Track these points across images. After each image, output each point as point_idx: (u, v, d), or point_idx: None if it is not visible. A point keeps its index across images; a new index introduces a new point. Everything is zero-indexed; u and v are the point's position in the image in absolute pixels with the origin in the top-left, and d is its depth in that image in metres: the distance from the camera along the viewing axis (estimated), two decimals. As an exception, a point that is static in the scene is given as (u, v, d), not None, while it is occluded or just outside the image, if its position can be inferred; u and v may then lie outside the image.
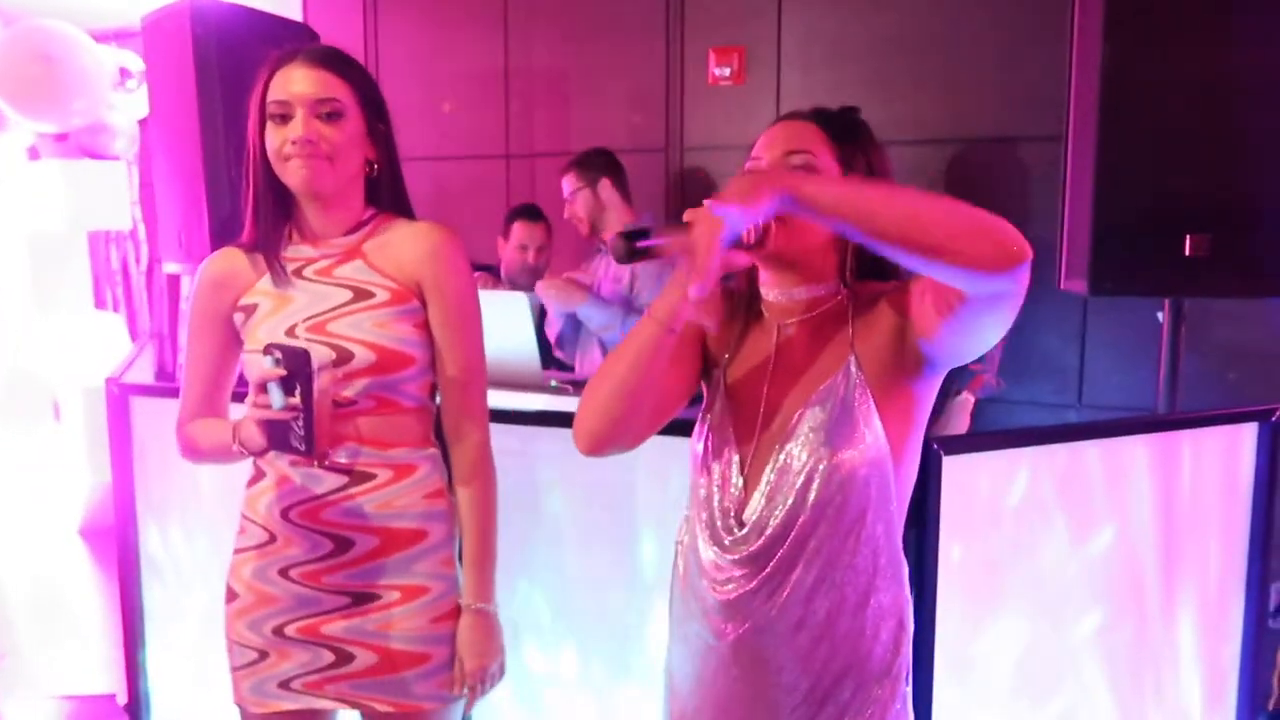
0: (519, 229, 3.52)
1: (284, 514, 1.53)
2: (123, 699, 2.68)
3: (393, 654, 1.53)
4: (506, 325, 2.59)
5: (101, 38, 4.73)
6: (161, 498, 2.37)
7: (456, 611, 1.57)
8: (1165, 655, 2.08)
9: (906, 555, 1.37)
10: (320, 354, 1.43)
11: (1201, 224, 2.23)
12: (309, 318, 1.51)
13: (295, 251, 1.55)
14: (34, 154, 5.01)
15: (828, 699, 1.30)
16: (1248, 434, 2.09)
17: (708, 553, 1.34)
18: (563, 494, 1.99)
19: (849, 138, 1.32)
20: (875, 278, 1.33)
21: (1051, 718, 1.97)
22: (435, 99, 4.31)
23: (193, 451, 1.60)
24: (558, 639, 2.03)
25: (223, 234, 2.66)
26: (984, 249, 1.06)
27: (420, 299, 1.54)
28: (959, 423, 2.88)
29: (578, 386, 2.73)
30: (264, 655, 1.55)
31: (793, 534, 1.27)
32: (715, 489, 1.34)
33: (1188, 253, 2.23)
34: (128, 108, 4.82)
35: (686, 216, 1.18)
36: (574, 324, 3.32)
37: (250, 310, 1.55)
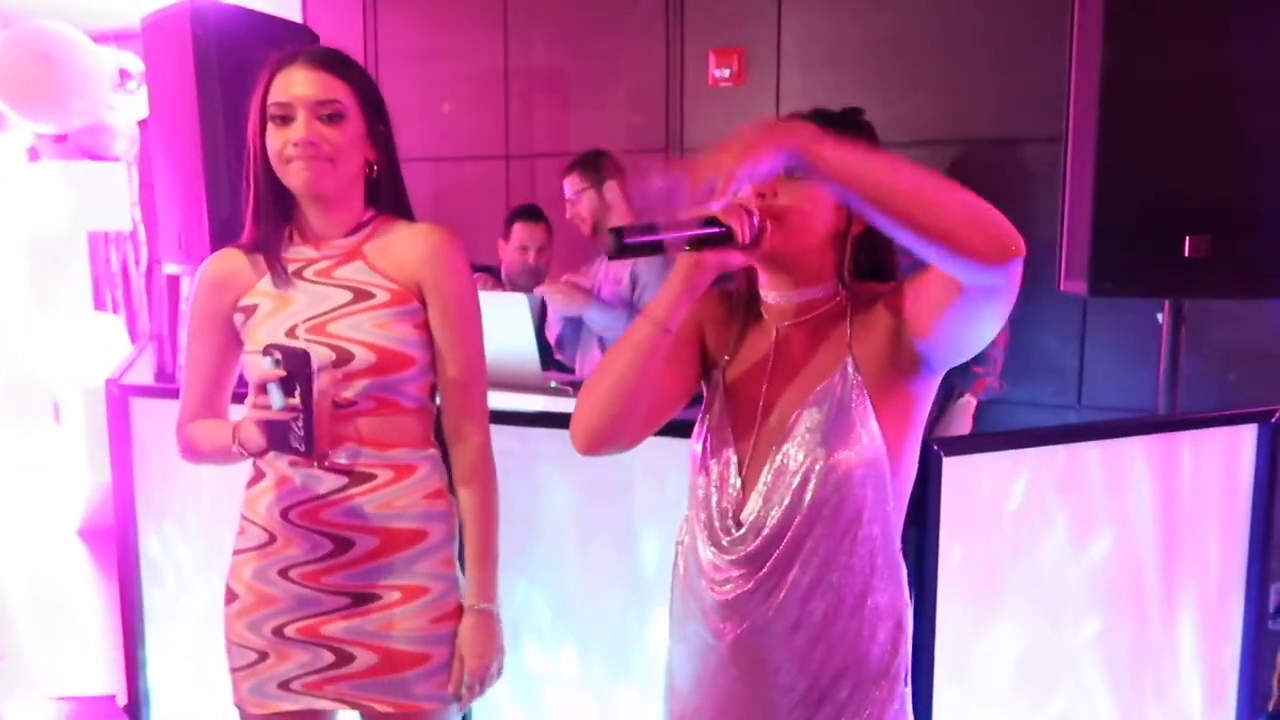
0: (519, 230, 3.52)
1: (284, 514, 1.53)
2: (122, 700, 2.68)
3: (393, 654, 1.53)
4: (506, 326, 2.60)
5: (101, 39, 4.74)
6: (161, 499, 2.38)
7: (457, 612, 1.58)
8: (1165, 656, 2.08)
9: (906, 556, 1.37)
10: (320, 355, 1.43)
11: (1201, 225, 2.23)
12: (309, 318, 1.51)
13: (296, 252, 1.56)
14: (34, 155, 5.01)
15: (825, 699, 1.30)
16: (1247, 435, 2.09)
17: (706, 553, 1.34)
18: (563, 494, 1.99)
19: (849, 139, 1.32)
20: (873, 279, 1.34)
21: (1051, 718, 1.97)
22: (435, 100, 4.32)
23: (192, 452, 1.60)
24: (558, 639, 2.03)
25: (222, 235, 2.66)
26: (982, 239, 1.06)
27: (420, 300, 1.54)
28: (961, 425, 2.88)
29: (577, 388, 2.72)
30: (264, 656, 1.55)
31: (789, 534, 1.28)
32: (713, 489, 1.35)
33: (1187, 253, 2.24)
34: (127, 109, 4.83)
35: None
36: (574, 326, 3.32)
37: (250, 311, 1.55)
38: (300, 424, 1.38)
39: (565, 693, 2.04)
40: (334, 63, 1.50)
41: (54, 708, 3.13)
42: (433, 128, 4.30)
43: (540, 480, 1.98)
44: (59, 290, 5.00)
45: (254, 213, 1.54)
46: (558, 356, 3.37)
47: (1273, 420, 2.08)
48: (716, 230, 1.19)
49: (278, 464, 1.53)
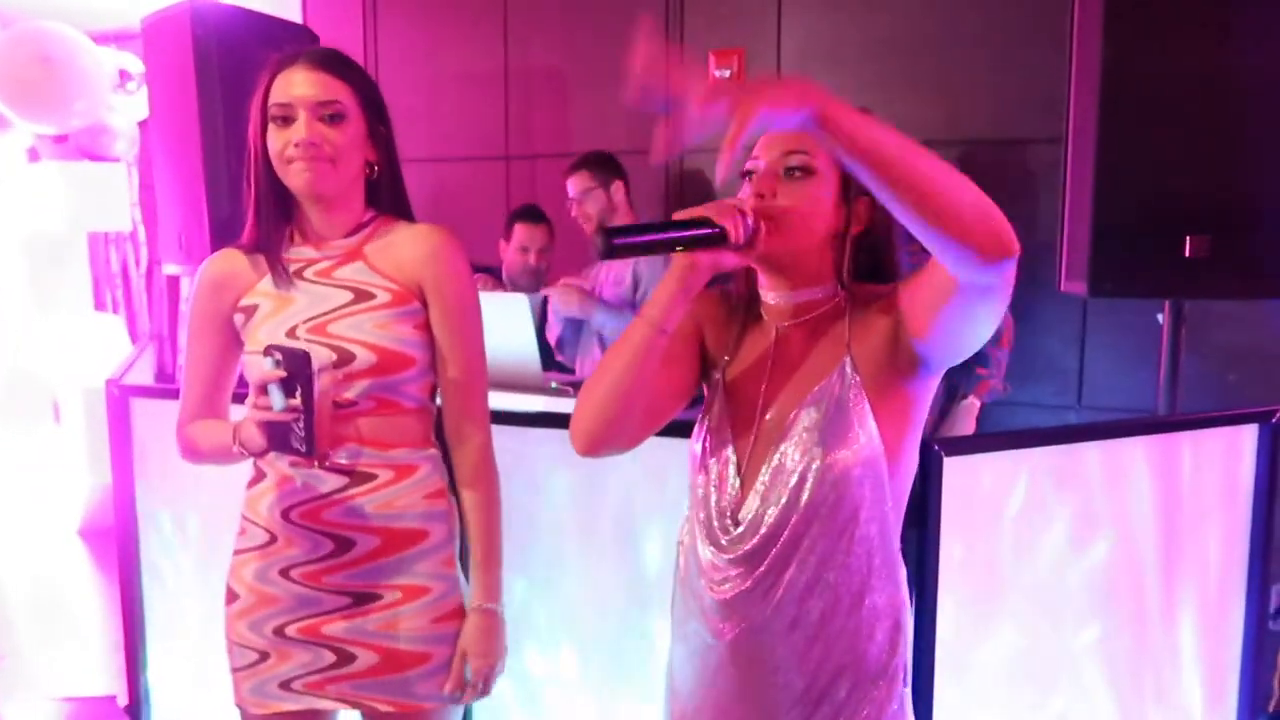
0: (520, 231, 3.52)
1: (285, 514, 1.53)
2: (123, 700, 2.68)
3: (394, 654, 1.53)
4: (506, 327, 2.60)
5: (101, 39, 4.74)
6: (161, 499, 2.37)
7: (458, 611, 1.58)
8: (1165, 657, 2.08)
9: (906, 556, 1.37)
10: (320, 355, 1.43)
11: (1201, 225, 2.23)
12: (309, 319, 1.51)
13: (296, 253, 1.56)
14: (34, 155, 5.01)
15: (823, 699, 1.31)
16: (1248, 435, 2.09)
17: (705, 552, 1.35)
18: (563, 495, 1.99)
19: None
20: (873, 280, 1.34)
21: (1051, 718, 1.97)
22: (434, 100, 4.31)
23: (192, 453, 1.60)
24: (558, 639, 2.03)
25: (222, 235, 2.66)
26: (984, 230, 1.06)
27: (421, 300, 1.54)
28: (964, 426, 2.88)
29: (578, 388, 2.72)
30: (264, 656, 1.55)
31: (786, 533, 1.28)
32: (712, 489, 1.35)
33: (1187, 254, 2.24)
34: (127, 109, 4.83)
35: (678, 215, 1.19)
36: (574, 327, 3.32)
37: (250, 311, 1.55)
38: (301, 425, 1.38)
39: (565, 693, 2.04)
40: (335, 63, 1.50)
41: (54, 708, 3.13)
42: (432, 128, 4.30)
43: (541, 480, 1.98)
44: (59, 290, 5.00)
45: (255, 213, 1.54)
46: (558, 357, 3.37)
47: (1273, 420, 2.08)
48: (709, 231, 1.19)
49: (278, 464, 1.53)
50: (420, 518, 1.55)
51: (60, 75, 4.39)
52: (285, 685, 1.55)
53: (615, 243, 1.17)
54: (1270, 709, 2.54)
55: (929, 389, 1.32)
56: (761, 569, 1.29)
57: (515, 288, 3.47)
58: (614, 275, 3.22)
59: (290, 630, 1.54)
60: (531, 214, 3.56)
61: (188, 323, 1.61)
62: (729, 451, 1.34)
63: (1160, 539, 2.02)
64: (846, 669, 1.30)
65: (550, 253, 3.56)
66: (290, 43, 1.61)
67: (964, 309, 1.16)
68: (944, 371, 1.32)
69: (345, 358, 1.48)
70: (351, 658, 1.53)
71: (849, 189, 1.30)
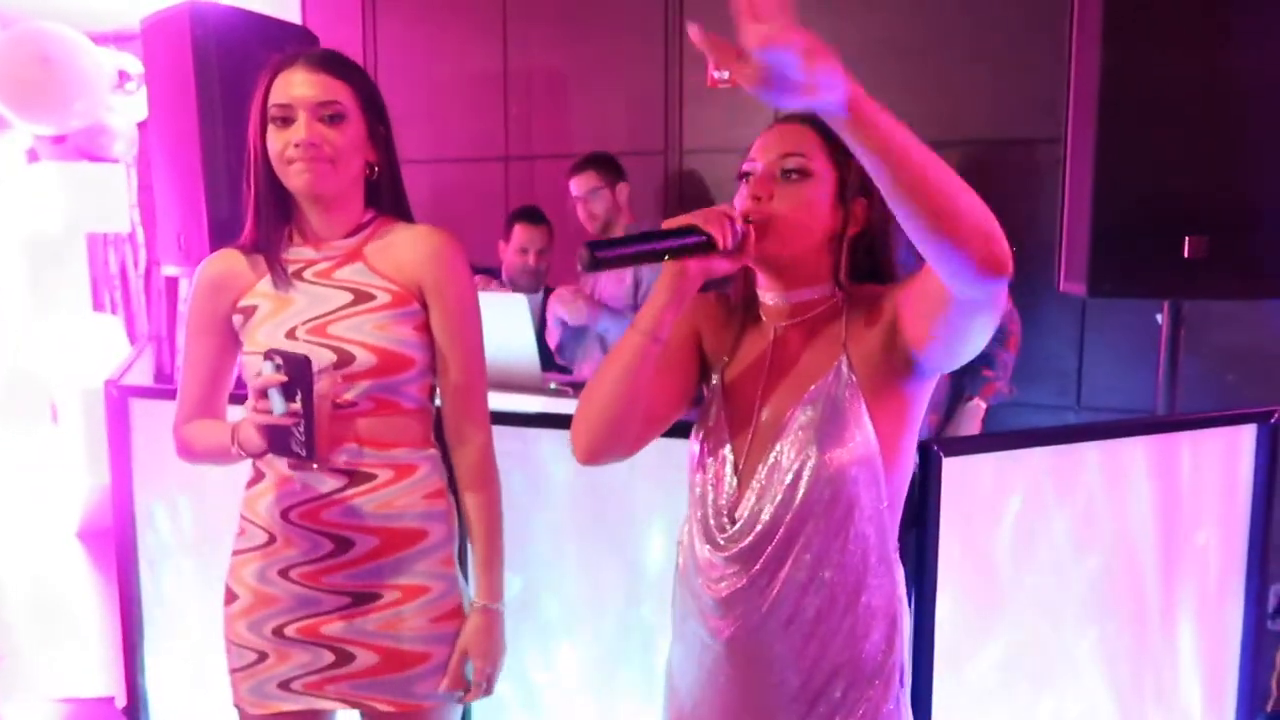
0: (520, 231, 3.52)
1: (284, 515, 1.53)
2: (121, 701, 2.68)
3: (393, 653, 1.53)
4: (506, 327, 2.60)
5: (100, 40, 4.74)
6: (160, 500, 2.37)
7: (457, 611, 1.58)
8: (1164, 657, 2.08)
9: (905, 555, 1.37)
10: (320, 357, 1.43)
11: (1200, 225, 2.23)
12: (309, 320, 1.51)
13: (296, 254, 1.56)
14: (32, 156, 5.01)
15: (819, 697, 1.31)
16: (1247, 436, 2.09)
17: (702, 550, 1.35)
18: (563, 495, 1.99)
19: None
20: (871, 280, 1.34)
21: (1050, 718, 1.97)
22: (433, 101, 4.31)
23: (189, 453, 1.60)
24: (558, 639, 2.03)
25: (221, 236, 2.66)
26: (981, 243, 1.04)
27: (421, 302, 1.54)
28: (969, 428, 2.87)
29: (577, 388, 2.73)
30: (263, 656, 1.55)
31: (781, 531, 1.28)
32: (709, 487, 1.35)
33: (1187, 254, 2.23)
34: (127, 110, 4.83)
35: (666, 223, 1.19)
36: (575, 331, 3.33)
37: (249, 312, 1.55)
38: (301, 429, 1.38)
39: (565, 692, 2.04)
40: (335, 64, 1.50)
41: (53, 709, 3.13)
42: (431, 129, 4.30)
43: (541, 481, 1.98)
44: (58, 291, 5.00)
45: (254, 214, 1.54)
46: (559, 361, 3.38)
47: (1272, 421, 2.09)
48: (696, 239, 1.20)
49: (277, 464, 1.53)
50: (419, 517, 1.55)
51: (60, 76, 4.39)
52: (284, 685, 1.55)
53: (600, 256, 1.16)
54: (1268, 709, 2.54)
55: (926, 390, 1.32)
56: (757, 566, 1.30)
57: (515, 289, 3.48)
58: (614, 276, 3.23)
59: (289, 630, 1.54)
60: (531, 215, 3.56)
61: (186, 323, 1.61)
62: (726, 450, 1.34)
63: (1159, 539, 2.02)
64: (842, 668, 1.30)
65: (550, 254, 3.56)
66: (289, 43, 1.61)
67: (958, 322, 1.16)
68: (942, 374, 1.32)
69: (345, 359, 1.48)
70: (351, 657, 1.53)
71: (846, 190, 1.31)
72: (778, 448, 1.30)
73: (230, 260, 1.58)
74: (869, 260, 1.34)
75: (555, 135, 4.17)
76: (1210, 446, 2.06)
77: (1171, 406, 2.51)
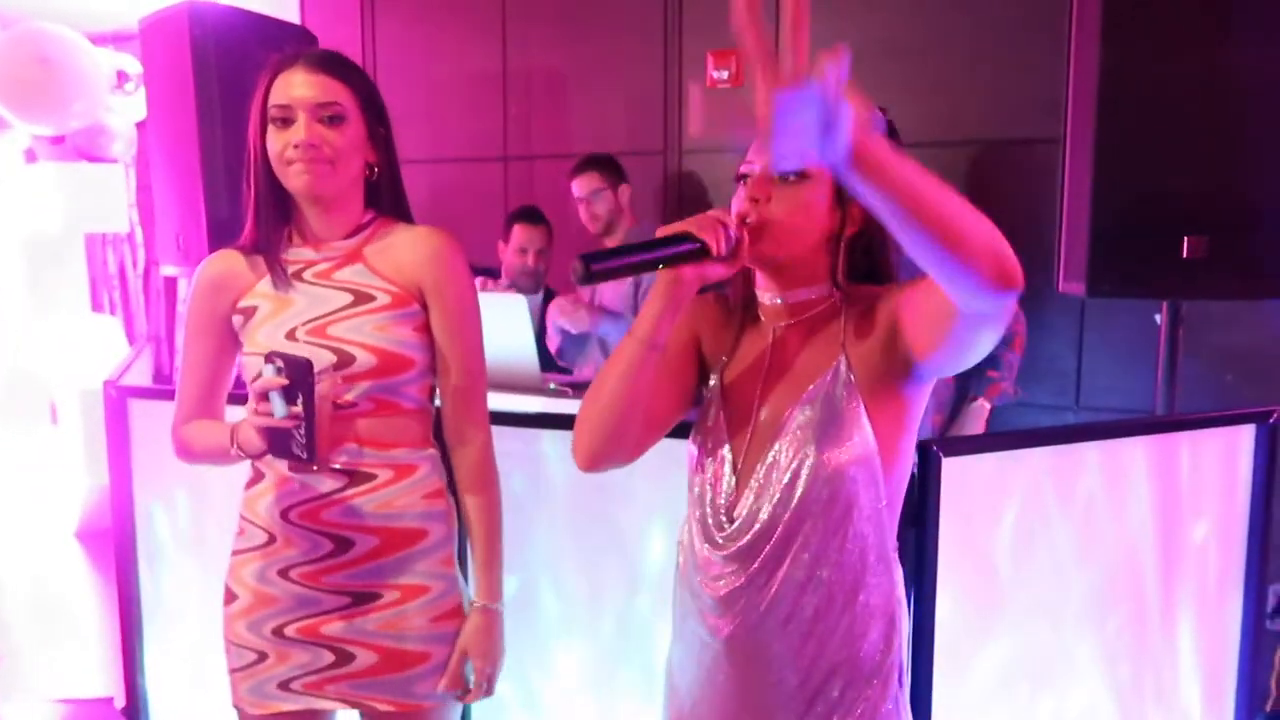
0: (519, 232, 3.53)
1: (284, 515, 1.53)
2: (120, 702, 2.67)
3: (393, 653, 1.54)
4: (505, 328, 2.60)
5: (99, 40, 4.74)
6: (159, 500, 2.37)
7: (457, 611, 1.58)
8: (1164, 656, 2.08)
9: (905, 555, 1.37)
10: (320, 358, 1.43)
11: (1199, 225, 2.23)
12: (308, 321, 1.51)
13: (295, 254, 1.56)
14: (31, 156, 5.01)
15: (817, 696, 1.31)
16: (1245, 436, 2.10)
17: (702, 549, 1.36)
18: (563, 495, 1.99)
19: None
20: (868, 280, 1.34)
21: (1050, 718, 1.97)
22: (432, 102, 4.31)
23: (187, 453, 1.60)
24: (558, 639, 2.03)
25: (220, 236, 2.66)
26: (991, 266, 1.04)
27: (421, 303, 1.54)
28: (974, 429, 2.87)
29: (576, 389, 2.73)
30: (263, 656, 1.55)
31: (780, 529, 1.28)
32: (708, 487, 1.36)
33: (1186, 254, 2.23)
34: (125, 110, 4.83)
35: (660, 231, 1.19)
36: (574, 338, 3.33)
37: (249, 313, 1.55)
38: (302, 431, 1.38)
39: (565, 692, 2.04)
40: (334, 65, 1.50)
41: (52, 709, 3.13)
42: (430, 130, 4.30)
43: (541, 481, 1.98)
44: (56, 292, 5.00)
45: (254, 214, 1.54)
46: (560, 363, 3.38)
47: (1271, 421, 2.09)
48: (690, 247, 1.20)
49: (277, 465, 1.53)
50: (419, 517, 1.55)
51: (58, 76, 4.39)
52: (284, 685, 1.55)
53: (594, 269, 1.16)
54: (1267, 709, 2.54)
55: (925, 391, 1.32)
56: (755, 565, 1.30)
57: (514, 289, 3.48)
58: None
59: (289, 630, 1.54)
60: (530, 215, 3.56)
61: (185, 323, 1.61)
62: (725, 450, 1.34)
63: (1158, 539, 2.02)
64: (840, 666, 1.30)
65: (549, 254, 3.56)
66: (288, 43, 1.60)
67: (963, 334, 1.16)
68: (943, 376, 1.32)
69: (345, 360, 1.48)
70: (351, 657, 1.53)
71: (844, 191, 1.30)
72: (776, 447, 1.30)
73: (230, 261, 1.58)
74: (867, 260, 1.34)
75: (554, 135, 4.17)
76: (1209, 446, 2.07)
77: (1171, 406, 2.52)
